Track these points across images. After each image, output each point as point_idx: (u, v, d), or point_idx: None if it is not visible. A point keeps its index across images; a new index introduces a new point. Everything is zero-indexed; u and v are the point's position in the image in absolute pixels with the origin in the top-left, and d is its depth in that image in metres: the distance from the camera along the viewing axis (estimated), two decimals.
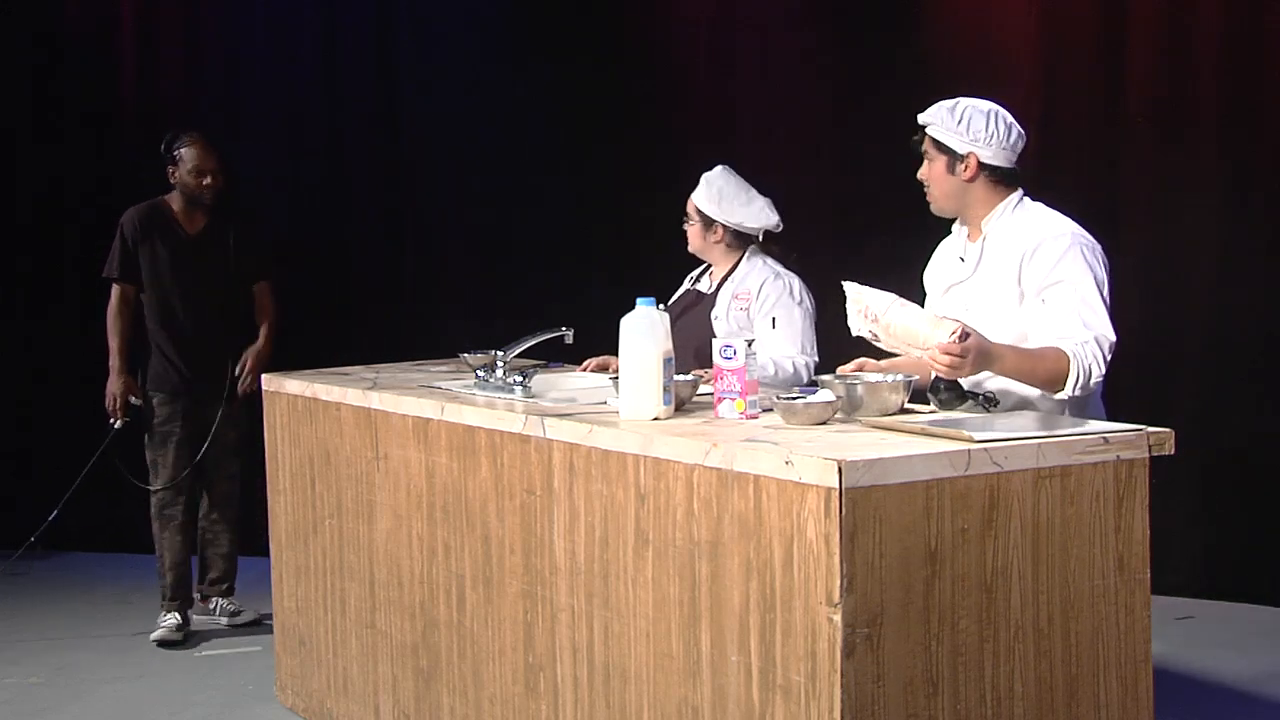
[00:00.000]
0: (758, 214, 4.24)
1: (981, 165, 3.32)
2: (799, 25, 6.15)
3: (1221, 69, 5.38)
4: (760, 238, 4.28)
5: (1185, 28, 5.43)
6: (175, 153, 5.34)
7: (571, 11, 6.44)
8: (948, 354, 2.95)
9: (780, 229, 4.26)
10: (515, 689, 3.35)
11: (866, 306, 3.12)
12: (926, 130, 3.38)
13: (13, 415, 6.93)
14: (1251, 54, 5.34)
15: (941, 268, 3.51)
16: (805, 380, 4.04)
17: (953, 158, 3.33)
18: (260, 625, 5.39)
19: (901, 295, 3.14)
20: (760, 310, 4.15)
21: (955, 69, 5.57)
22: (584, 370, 4.21)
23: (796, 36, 6.16)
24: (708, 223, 4.27)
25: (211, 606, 5.55)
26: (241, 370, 5.43)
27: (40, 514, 5.73)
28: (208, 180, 5.33)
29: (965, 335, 2.96)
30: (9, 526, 6.20)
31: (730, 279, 4.26)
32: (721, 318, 4.20)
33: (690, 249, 4.36)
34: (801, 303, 4.16)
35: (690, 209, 4.31)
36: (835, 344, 4.28)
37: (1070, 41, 5.65)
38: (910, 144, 3.42)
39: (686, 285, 4.45)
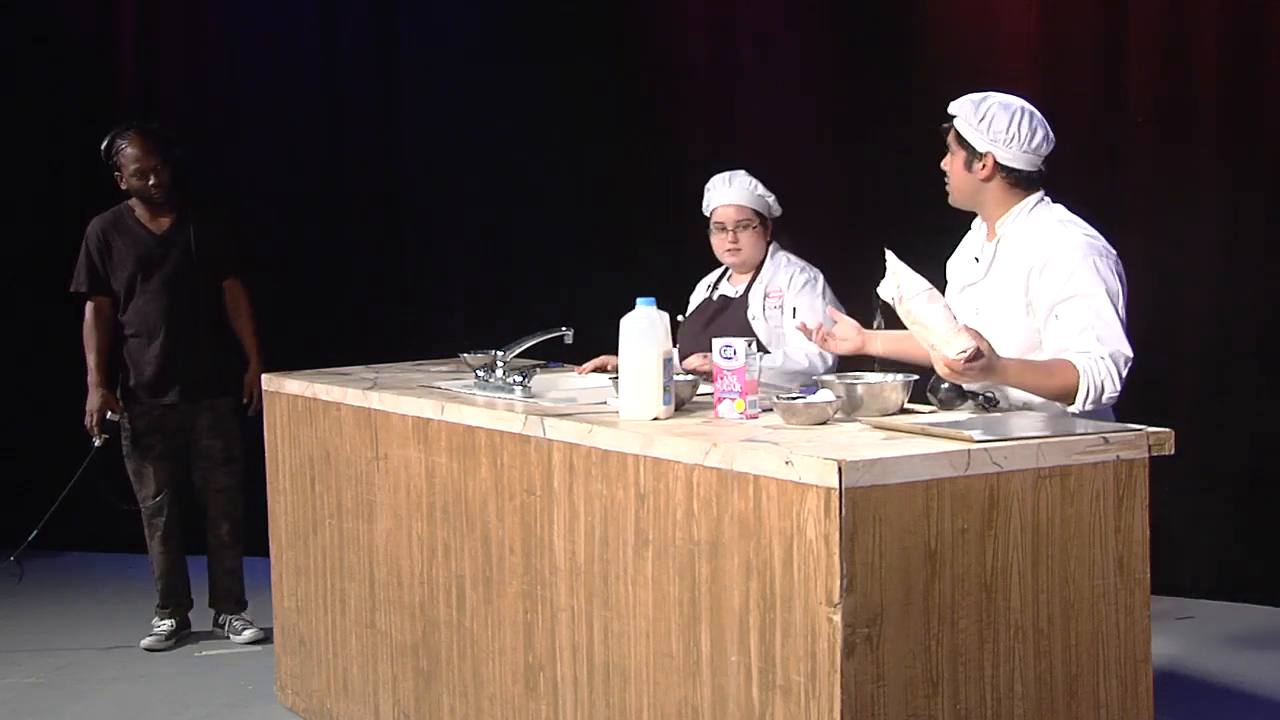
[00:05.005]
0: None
1: (998, 166, 3.23)
2: (799, 25, 6.15)
3: (1221, 69, 5.37)
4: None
5: (1185, 28, 5.42)
6: (115, 158, 5.18)
7: (572, 11, 6.44)
8: (950, 369, 2.90)
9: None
10: (515, 689, 3.35)
11: (899, 284, 3.07)
12: (953, 121, 3.28)
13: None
14: (1251, 54, 5.33)
15: (961, 263, 3.44)
16: (821, 370, 4.03)
17: (971, 154, 3.25)
18: (268, 641, 5.29)
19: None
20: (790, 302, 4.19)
21: (955, 69, 5.57)
22: (582, 372, 4.18)
23: (796, 36, 6.16)
24: (764, 221, 4.29)
25: (220, 622, 5.42)
26: (249, 401, 5.29)
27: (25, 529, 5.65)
28: (153, 180, 5.15)
29: (976, 356, 2.85)
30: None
31: (758, 279, 4.27)
32: (759, 317, 4.20)
33: (739, 258, 4.27)
34: (824, 296, 4.19)
35: (744, 215, 4.24)
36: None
37: (1070, 41, 5.64)
38: (940, 130, 3.33)
39: (703, 293, 4.44)
